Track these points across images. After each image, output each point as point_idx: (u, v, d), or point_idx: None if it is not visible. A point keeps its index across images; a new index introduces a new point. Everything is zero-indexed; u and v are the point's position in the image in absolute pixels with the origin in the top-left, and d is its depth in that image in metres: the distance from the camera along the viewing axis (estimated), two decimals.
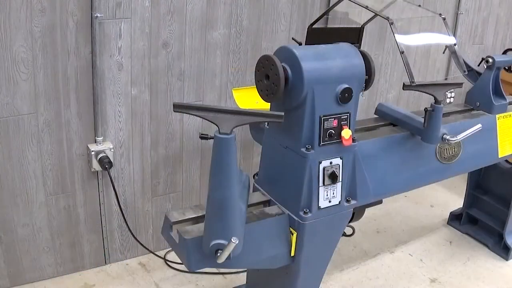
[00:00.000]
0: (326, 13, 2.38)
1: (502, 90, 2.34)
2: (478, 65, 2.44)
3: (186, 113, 1.44)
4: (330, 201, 1.76)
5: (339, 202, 1.79)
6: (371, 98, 3.06)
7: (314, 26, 2.13)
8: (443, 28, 2.12)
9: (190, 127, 2.45)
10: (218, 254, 1.50)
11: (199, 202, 2.46)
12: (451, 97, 3.02)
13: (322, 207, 1.74)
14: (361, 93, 1.75)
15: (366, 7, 2.09)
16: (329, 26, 2.62)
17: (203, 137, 1.45)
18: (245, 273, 2.25)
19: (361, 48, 2.03)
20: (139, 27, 2.14)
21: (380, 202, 2.03)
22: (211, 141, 1.43)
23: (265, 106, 1.84)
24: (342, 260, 2.62)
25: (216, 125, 1.40)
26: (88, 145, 2.19)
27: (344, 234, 2.77)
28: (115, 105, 2.21)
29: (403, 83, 2.01)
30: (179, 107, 1.40)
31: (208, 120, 1.41)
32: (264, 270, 2.00)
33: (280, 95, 1.61)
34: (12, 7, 1.84)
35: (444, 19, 2.11)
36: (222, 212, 1.48)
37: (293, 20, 2.57)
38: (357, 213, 1.92)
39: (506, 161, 2.67)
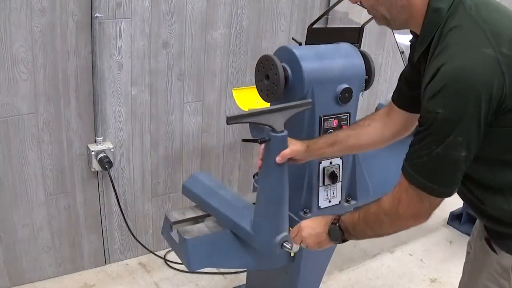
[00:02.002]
0: (326, 13, 2.38)
1: None
2: None
3: (240, 123, 1.43)
4: (330, 201, 1.76)
5: (339, 202, 1.79)
6: (371, 98, 3.06)
7: (314, 26, 2.13)
8: None
9: (190, 127, 2.45)
10: (288, 246, 1.51)
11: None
12: None
13: (322, 207, 1.74)
14: (361, 93, 1.75)
15: None
16: (329, 26, 2.62)
17: (248, 140, 1.51)
18: (245, 273, 2.25)
19: (361, 48, 2.03)
20: (139, 27, 2.14)
21: None
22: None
23: (265, 106, 1.84)
24: (342, 260, 2.62)
25: (270, 126, 1.40)
26: (88, 145, 2.19)
27: None
28: (115, 105, 2.21)
29: None
30: (232, 119, 1.37)
31: (262, 124, 1.40)
32: (264, 270, 2.00)
33: (280, 95, 1.61)
34: (12, 7, 1.83)
35: None
36: (282, 208, 1.50)
37: (293, 20, 2.57)
38: None
39: None
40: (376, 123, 1.45)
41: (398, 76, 1.44)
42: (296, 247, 1.50)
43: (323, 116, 1.65)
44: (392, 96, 1.43)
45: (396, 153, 2.04)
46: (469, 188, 1.16)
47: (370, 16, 2.27)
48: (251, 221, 1.54)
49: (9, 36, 1.87)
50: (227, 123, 1.37)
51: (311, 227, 1.40)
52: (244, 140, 1.54)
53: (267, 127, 1.41)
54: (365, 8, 1.17)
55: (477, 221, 1.35)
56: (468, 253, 1.42)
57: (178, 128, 2.42)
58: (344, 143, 1.47)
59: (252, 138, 1.44)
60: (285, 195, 1.49)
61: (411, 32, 1.22)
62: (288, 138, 1.48)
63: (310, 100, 1.51)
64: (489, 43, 0.97)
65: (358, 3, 1.17)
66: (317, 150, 1.50)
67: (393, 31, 2.03)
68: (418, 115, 1.35)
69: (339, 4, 2.16)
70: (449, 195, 1.08)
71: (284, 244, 1.52)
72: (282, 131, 1.41)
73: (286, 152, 1.43)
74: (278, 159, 1.42)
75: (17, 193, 2.11)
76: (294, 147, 1.46)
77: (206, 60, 2.37)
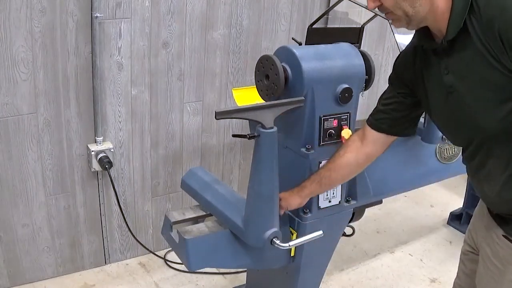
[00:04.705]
0: (326, 13, 2.38)
1: None
2: None
3: (229, 118, 1.44)
4: (330, 201, 1.76)
5: (339, 202, 1.79)
6: (371, 98, 3.06)
7: (314, 26, 2.13)
8: None
9: (190, 127, 2.45)
10: (277, 241, 1.53)
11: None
12: None
13: (322, 207, 1.74)
14: (361, 93, 1.75)
15: (366, 7, 2.09)
16: (329, 26, 2.62)
17: (238, 135, 1.50)
18: (245, 273, 2.25)
19: (361, 48, 2.03)
20: (139, 27, 2.14)
21: (380, 202, 2.04)
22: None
23: None
24: (342, 260, 2.62)
25: (260, 122, 1.41)
26: (88, 145, 2.19)
27: (344, 234, 2.77)
28: (115, 105, 2.21)
29: None
30: (221, 114, 1.38)
31: (252, 120, 1.42)
32: (264, 270, 2.00)
33: (280, 95, 1.61)
34: (12, 7, 1.84)
35: None
36: (272, 204, 1.51)
37: (293, 20, 2.57)
38: (357, 213, 1.92)
39: None
40: (350, 151, 1.52)
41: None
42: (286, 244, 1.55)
43: (323, 116, 1.65)
44: (368, 121, 1.48)
45: (396, 153, 2.04)
46: None
47: (370, 16, 2.28)
48: (243, 216, 1.55)
49: (9, 36, 1.86)
50: (216, 118, 1.38)
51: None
52: (234, 136, 1.56)
53: (257, 123, 1.42)
54: (383, 12, 1.18)
55: (483, 218, 1.33)
56: (469, 252, 1.43)
57: (178, 128, 2.42)
58: (328, 178, 1.56)
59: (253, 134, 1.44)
60: (275, 190, 1.50)
61: (421, 34, 1.22)
62: (284, 194, 1.59)
63: (302, 98, 1.52)
64: None
65: (377, 8, 1.19)
66: (308, 194, 1.61)
67: (393, 31, 2.03)
68: (394, 137, 1.48)
69: (339, 4, 2.16)
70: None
71: (274, 240, 1.53)
72: (272, 128, 1.42)
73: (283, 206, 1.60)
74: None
75: (17, 193, 2.11)
76: (292, 201, 1.61)
77: (206, 60, 2.37)
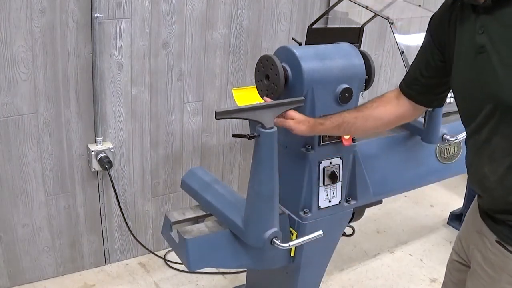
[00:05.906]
0: (326, 13, 2.38)
1: None
2: None
3: (229, 118, 1.44)
4: (330, 201, 1.76)
5: (339, 202, 1.79)
6: (371, 98, 3.06)
7: (314, 26, 2.13)
8: None
9: (190, 127, 2.45)
10: (277, 242, 1.53)
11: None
12: (451, 97, 3.01)
13: (322, 207, 1.74)
14: (361, 93, 1.75)
15: (366, 7, 2.09)
16: (329, 26, 2.62)
17: (238, 135, 1.50)
18: (245, 273, 2.25)
19: (361, 48, 2.03)
20: (139, 27, 2.14)
21: (380, 202, 2.04)
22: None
23: None
24: (342, 260, 2.62)
25: (260, 122, 1.42)
26: (88, 145, 2.19)
27: (344, 234, 2.77)
28: (115, 105, 2.21)
29: None
30: (221, 114, 1.38)
31: (252, 120, 1.42)
32: (264, 270, 2.00)
33: (280, 95, 1.61)
34: (12, 7, 1.84)
35: None
36: (272, 204, 1.52)
37: (293, 20, 2.57)
38: (357, 213, 1.92)
39: None
40: (384, 106, 1.49)
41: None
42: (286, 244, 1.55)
43: (323, 116, 1.64)
44: (400, 85, 1.46)
45: (396, 153, 2.04)
46: None
47: (370, 16, 2.28)
48: (243, 216, 1.55)
49: (9, 36, 1.86)
50: (216, 118, 1.38)
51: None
52: (234, 136, 1.56)
53: (257, 123, 1.42)
54: None
55: (476, 223, 1.30)
56: (455, 261, 1.40)
57: (178, 128, 2.42)
58: (351, 125, 1.52)
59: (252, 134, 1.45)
60: (275, 191, 1.50)
61: None
62: (296, 112, 1.55)
63: (302, 98, 1.53)
64: None
65: None
66: (322, 130, 1.57)
67: (393, 31, 2.02)
68: (422, 107, 1.44)
69: (339, 4, 2.16)
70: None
71: (274, 240, 1.53)
72: (272, 128, 1.42)
73: (290, 124, 1.54)
74: (276, 120, 1.47)
75: (17, 193, 2.11)
76: (300, 125, 1.54)
77: (206, 60, 2.37)
